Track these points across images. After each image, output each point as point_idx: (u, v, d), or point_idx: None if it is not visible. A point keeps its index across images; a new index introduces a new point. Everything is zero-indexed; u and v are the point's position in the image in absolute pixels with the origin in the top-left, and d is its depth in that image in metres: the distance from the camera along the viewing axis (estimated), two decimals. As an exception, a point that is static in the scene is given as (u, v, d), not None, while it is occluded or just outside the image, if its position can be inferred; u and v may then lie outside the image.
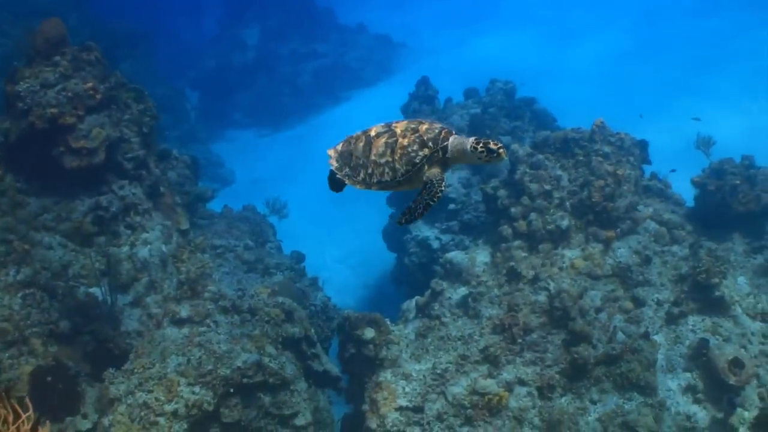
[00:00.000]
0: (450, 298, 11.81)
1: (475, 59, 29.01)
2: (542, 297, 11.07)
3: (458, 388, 10.40)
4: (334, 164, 5.31)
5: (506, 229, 12.04)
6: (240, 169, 26.24)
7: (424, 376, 10.68)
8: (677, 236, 12.32)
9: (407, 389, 10.56)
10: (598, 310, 10.95)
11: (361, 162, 5.19)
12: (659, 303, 11.29)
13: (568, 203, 12.12)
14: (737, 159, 12.76)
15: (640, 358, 10.41)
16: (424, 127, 5.13)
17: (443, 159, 5.05)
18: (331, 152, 5.38)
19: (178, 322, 11.01)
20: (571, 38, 31.72)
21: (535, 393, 10.34)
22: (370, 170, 5.16)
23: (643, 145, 13.26)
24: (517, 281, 11.40)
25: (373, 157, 5.14)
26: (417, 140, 5.05)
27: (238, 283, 13.21)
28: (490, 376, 10.50)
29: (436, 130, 5.06)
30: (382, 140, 5.16)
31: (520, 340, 10.76)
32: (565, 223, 11.82)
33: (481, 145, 4.87)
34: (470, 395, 10.26)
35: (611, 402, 10.24)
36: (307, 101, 29.23)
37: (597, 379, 10.38)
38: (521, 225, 11.92)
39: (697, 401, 10.45)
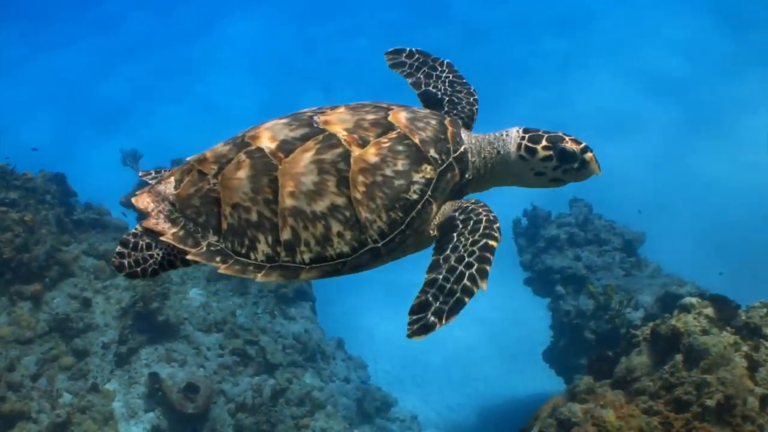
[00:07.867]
0: None
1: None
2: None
3: None
4: (167, 229, 2.47)
5: None
6: None
7: None
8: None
9: None
10: (36, 377, 9.58)
11: (253, 217, 2.40)
12: (106, 346, 10.36)
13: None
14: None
15: (93, 415, 9.47)
16: (402, 114, 2.54)
17: (461, 181, 2.62)
18: (142, 201, 2.55)
19: None
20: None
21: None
22: (287, 235, 2.39)
23: (60, 178, 11.98)
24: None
25: (289, 202, 2.37)
26: (402, 149, 2.43)
27: None
28: None
29: (433, 122, 2.56)
30: (307, 157, 2.40)
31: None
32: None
33: (543, 144, 2.55)
34: None
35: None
36: None
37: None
38: None
39: (166, 440, 9.88)
